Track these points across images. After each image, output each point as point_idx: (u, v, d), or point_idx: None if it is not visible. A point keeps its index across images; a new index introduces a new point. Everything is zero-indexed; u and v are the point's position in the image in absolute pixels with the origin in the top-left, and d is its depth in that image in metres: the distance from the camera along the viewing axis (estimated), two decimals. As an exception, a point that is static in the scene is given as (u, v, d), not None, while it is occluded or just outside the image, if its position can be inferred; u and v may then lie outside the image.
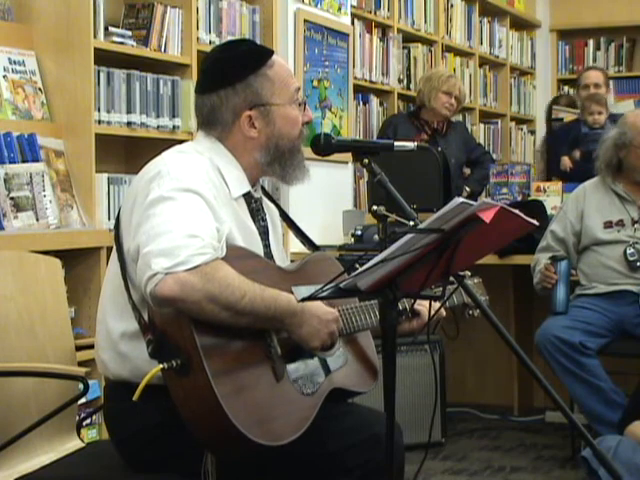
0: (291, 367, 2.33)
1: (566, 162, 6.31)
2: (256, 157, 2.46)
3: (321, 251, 2.67)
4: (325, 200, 5.47)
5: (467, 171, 6.41)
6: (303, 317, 2.30)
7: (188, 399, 2.18)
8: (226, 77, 2.45)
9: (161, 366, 2.17)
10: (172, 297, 2.13)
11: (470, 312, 2.77)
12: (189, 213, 2.23)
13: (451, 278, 2.30)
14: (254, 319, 2.23)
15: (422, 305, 2.55)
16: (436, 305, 2.45)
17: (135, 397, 2.17)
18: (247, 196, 2.48)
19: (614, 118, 5.89)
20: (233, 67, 2.46)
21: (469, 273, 2.78)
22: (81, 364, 2.75)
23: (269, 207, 2.61)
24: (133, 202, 2.33)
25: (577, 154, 6.25)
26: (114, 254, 2.40)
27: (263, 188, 2.62)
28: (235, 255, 2.27)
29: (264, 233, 2.52)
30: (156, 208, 2.23)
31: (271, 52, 2.53)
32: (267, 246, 2.52)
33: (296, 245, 4.95)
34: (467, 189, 6.20)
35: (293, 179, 2.51)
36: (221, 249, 2.22)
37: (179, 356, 2.17)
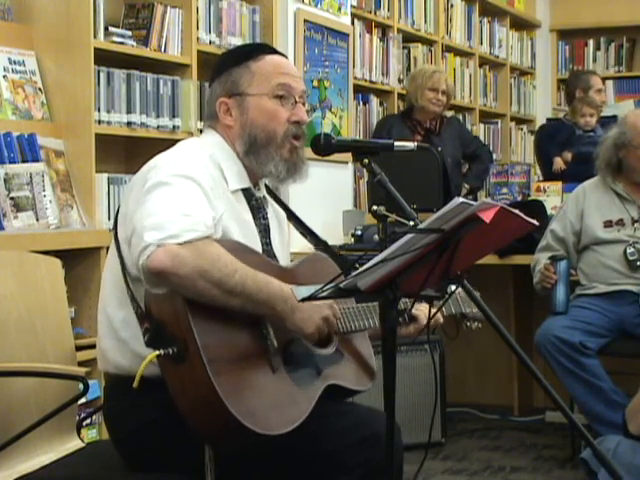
0: (288, 361, 2.32)
1: (559, 163, 6.30)
2: (237, 148, 2.48)
3: (332, 249, 2.67)
4: (325, 200, 5.47)
5: (466, 167, 6.38)
6: (295, 303, 2.27)
7: (184, 387, 2.18)
8: (217, 71, 2.54)
9: (157, 352, 2.17)
10: (163, 269, 2.13)
11: (468, 324, 2.76)
12: (184, 196, 2.25)
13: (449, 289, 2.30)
14: (245, 300, 2.22)
15: (419, 310, 2.56)
16: (434, 308, 2.45)
17: (135, 384, 2.17)
18: (247, 193, 2.49)
19: (604, 122, 5.90)
20: (224, 62, 2.55)
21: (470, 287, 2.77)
22: (81, 364, 2.75)
23: (276, 210, 2.62)
24: (129, 192, 2.37)
25: (568, 156, 6.24)
26: (113, 244, 2.41)
27: (269, 188, 2.62)
28: (232, 248, 2.28)
29: (265, 231, 2.52)
30: (152, 193, 2.26)
31: (269, 50, 2.56)
32: (268, 244, 2.52)
33: (296, 245, 4.95)
34: (466, 186, 6.18)
35: (268, 173, 2.49)
36: (213, 228, 2.24)
37: (176, 344, 2.18)
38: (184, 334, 2.17)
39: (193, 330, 2.16)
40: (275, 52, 2.58)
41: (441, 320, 2.62)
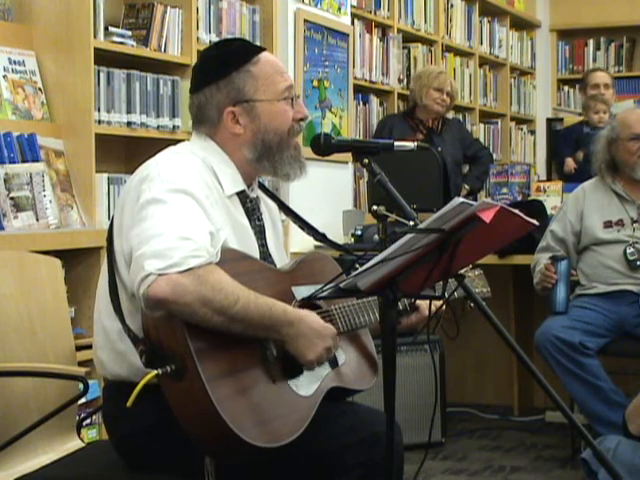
0: (288, 368, 2.31)
1: (570, 164, 6.31)
2: (245, 154, 2.46)
3: (330, 239, 2.66)
4: (325, 200, 5.47)
5: (466, 168, 6.39)
6: (300, 328, 2.28)
7: (184, 404, 2.18)
8: (211, 75, 2.47)
9: (155, 372, 2.16)
10: (164, 298, 2.12)
11: (471, 305, 2.75)
12: (181, 215, 2.22)
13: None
14: (248, 326, 2.21)
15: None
16: (436, 302, 2.44)
17: (129, 403, 2.16)
18: (242, 195, 2.48)
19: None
20: (218, 65, 2.48)
21: (470, 265, 2.77)
22: (81, 364, 2.75)
23: (269, 207, 2.60)
24: (123, 204, 2.34)
25: (580, 155, 6.26)
26: (106, 258, 2.40)
27: (262, 185, 2.61)
28: (229, 258, 2.27)
29: (260, 232, 2.51)
30: (147, 211, 2.23)
31: (259, 49, 2.53)
32: (263, 245, 2.51)
33: (296, 245, 4.96)
34: (466, 187, 6.19)
35: (284, 175, 2.49)
36: (216, 255, 2.22)
37: (173, 361, 2.17)
38: (181, 351, 2.16)
39: (190, 346, 2.15)
40: (260, 48, 2.56)
41: (443, 307, 2.60)
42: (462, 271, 2.32)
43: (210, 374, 2.15)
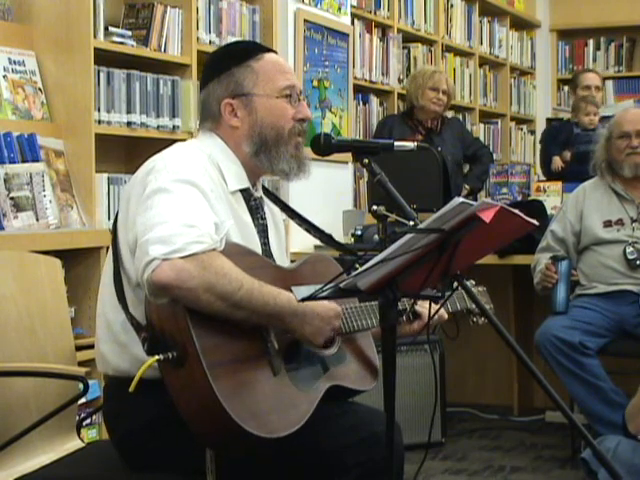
0: (289, 363, 2.32)
1: (557, 162, 6.32)
2: (244, 149, 2.47)
3: (336, 240, 2.67)
4: (325, 200, 5.47)
5: (467, 168, 6.39)
6: (305, 317, 2.30)
7: (184, 391, 2.18)
8: (213, 71, 2.51)
9: (157, 357, 2.17)
10: (168, 283, 2.13)
11: (475, 319, 2.76)
12: (186, 204, 2.24)
13: (454, 284, 2.30)
14: (251, 313, 2.22)
15: (423, 307, 2.55)
16: (437, 306, 2.45)
17: (131, 388, 2.17)
18: (246, 193, 2.49)
19: (605, 122, 5.92)
20: (221, 61, 2.53)
21: (473, 282, 2.78)
22: (81, 364, 2.75)
23: (272, 209, 2.61)
24: (129, 195, 2.35)
25: (568, 155, 6.26)
26: (111, 249, 2.41)
27: (265, 188, 2.62)
28: (234, 252, 2.28)
29: (263, 231, 2.52)
30: (153, 200, 2.25)
31: (265, 49, 2.56)
32: (265, 244, 2.52)
33: (296, 245, 4.96)
34: (467, 187, 6.19)
35: (280, 171, 2.49)
36: (220, 242, 2.23)
37: (175, 348, 2.17)
38: (183, 338, 2.17)
39: (192, 333, 2.16)
40: (267, 49, 2.58)
41: (446, 316, 2.62)
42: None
43: (211, 363, 2.16)
